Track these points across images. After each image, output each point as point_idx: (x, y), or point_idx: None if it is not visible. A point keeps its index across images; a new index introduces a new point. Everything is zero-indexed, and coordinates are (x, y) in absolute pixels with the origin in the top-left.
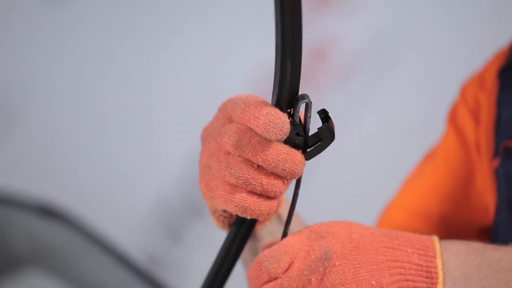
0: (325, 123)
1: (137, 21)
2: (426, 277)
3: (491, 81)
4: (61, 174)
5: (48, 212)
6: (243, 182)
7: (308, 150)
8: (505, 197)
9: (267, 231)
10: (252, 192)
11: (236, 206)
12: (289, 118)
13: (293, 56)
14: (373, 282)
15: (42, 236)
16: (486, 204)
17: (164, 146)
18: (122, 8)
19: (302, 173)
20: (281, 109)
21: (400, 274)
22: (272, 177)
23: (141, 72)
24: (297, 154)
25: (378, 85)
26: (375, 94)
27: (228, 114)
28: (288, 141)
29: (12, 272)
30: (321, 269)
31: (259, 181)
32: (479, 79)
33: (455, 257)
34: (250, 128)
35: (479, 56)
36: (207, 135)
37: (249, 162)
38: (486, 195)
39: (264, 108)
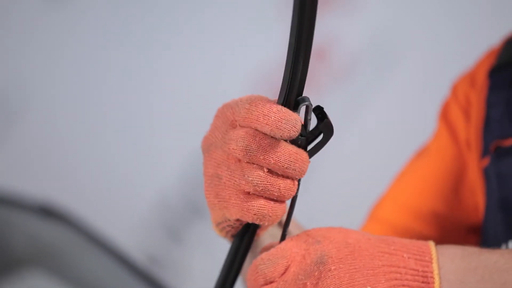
0: (324, 119)
1: (137, 21)
2: (423, 282)
3: (482, 80)
4: (61, 174)
5: (48, 212)
6: (262, 189)
7: (308, 148)
8: (496, 197)
9: (269, 235)
10: (269, 198)
11: (254, 214)
12: None
13: (305, 58)
14: (369, 287)
15: (42, 236)
16: (477, 202)
17: (164, 146)
18: (122, 8)
19: None
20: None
21: (396, 279)
22: (288, 180)
23: (141, 72)
24: (303, 153)
25: (378, 85)
26: (375, 94)
27: (228, 119)
28: (293, 142)
29: (12, 272)
30: (316, 274)
31: (277, 187)
32: (470, 78)
33: (450, 262)
34: (257, 130)
35: (479, 56)
36: (210, 145)
37: (261, 167)
38: (477, 193)
39: (273, 105)
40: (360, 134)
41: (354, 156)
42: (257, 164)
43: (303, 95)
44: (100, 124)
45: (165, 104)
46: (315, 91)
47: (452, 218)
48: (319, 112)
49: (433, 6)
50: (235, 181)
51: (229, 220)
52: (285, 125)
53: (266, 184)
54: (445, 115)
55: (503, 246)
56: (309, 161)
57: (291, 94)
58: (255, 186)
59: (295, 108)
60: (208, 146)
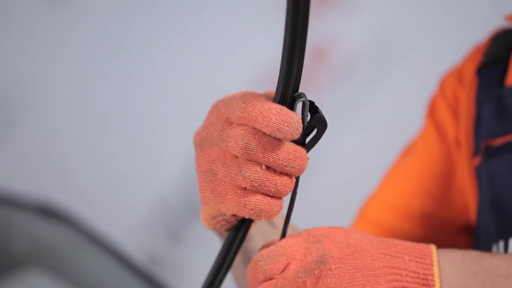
0: (316, 113)
1: (137, 21)
2: (423, 285)
3: (470, 78)
4: (61, 174)
5: (48, 212)
6: (259, 184)
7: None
8: (487, 196)
9: (257, 230)
10: (266, 194)
11: (251, 210)
12: None
13: (300, 54)
14: None
15: (42, 236)
16: (466, 201)
17: (164, 146)
18: (122, 8)
19: None
20: (284, 105)
21: (396, 281)
22: (285, 177)
23: (141, 72)
24: (303, 150)
25: (378, 85)
26: (375, 94)
27: (223, 116)
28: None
29: (12, 272)
30: (316, 272)
31: (273, 183)
32: (457, 75)
33: (452, 265)
34: (256, 128)
35: (466, 52)
36: (204, 141)
37: (259, 164)
38: (466, 192)
39: (272, 106)
40: (360, 134)
41: (353, 156)
42: (255, 161)
43: (299, 91)
44: (100, 124)
45: (165, 104)
46: (315, 91)
47: (441, 218)
48: (311, 106)
49: (433, 6)
50: (232, 176)
51: (225, 214)
52: (287, 127)
53: (263, 179)
54: (432, 112)
55: (494, 246)
56: (308, 158)
57: (288, 91)
58: (252, 181)
59: (291, 104)
60: (201, 142)
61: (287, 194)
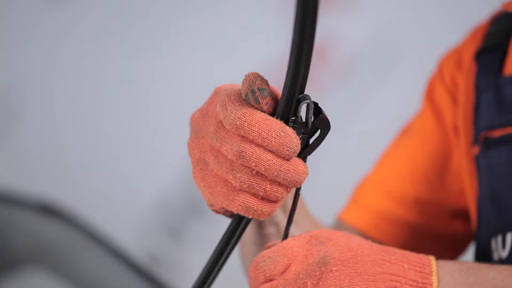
0: (320, 115)
1: (137, 21)
2: None
3: (469, 62)
4: (61, 173)
5: (48, 211)
6: (248, 186)
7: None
8: (487, 189)
9: (270, 221)
10: (255, 194)
11: (239, 205)
12: (293, 116)
13: (307, 56)
14: None
15: (42, 235)
16: (462, 187)
17: (164, 146)
18: (122, 8)
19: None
20: (290, 107)
21: (395, 287)
22: (276, 183)
23: (141, 71)
24: (300, 165)
25: (378, 85)
26: (375, 94)
27: (218, 117)
28: None
29: (12, 271)
30: (317, 273)
31: (263, 187)
32: (456, 57)
33: (450, 275)
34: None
35: (466, 33)
36: (200, 129)
37: (251, 169)
38: (463, 178)
39: (271, 127)
40: (360, 134)
41: (353, 156)
42: (247, 166)
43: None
44: (100, 124)
45: (165, 104)
46: (315, 91)
47: (435, 203)
48: (314, 107)
49: (433, 6)
50: (222, 173)
51: (216, 205)
52: (287, 151)
53: (252, 183)
54: (430, 95)
55: (493, 241)
56: (307, 172)
57: (294, 92)
58: (241, 182)
59: (296, 106)
60: (197, 128)
61: (278, 200)
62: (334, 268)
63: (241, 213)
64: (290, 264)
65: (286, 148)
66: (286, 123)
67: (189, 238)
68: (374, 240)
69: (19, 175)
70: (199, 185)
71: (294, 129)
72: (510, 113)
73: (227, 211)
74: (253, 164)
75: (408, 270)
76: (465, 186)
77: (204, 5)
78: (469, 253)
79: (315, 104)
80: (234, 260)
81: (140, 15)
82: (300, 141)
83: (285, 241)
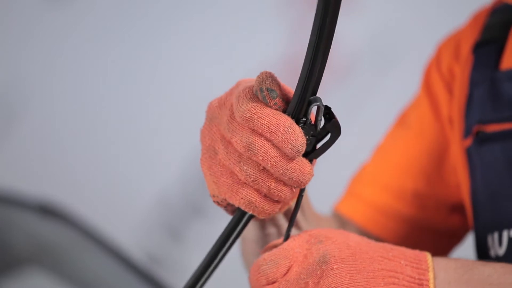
0: (332, 120)
1: (137, 21)
2: None
3: (466, 54)
4: (61, 174)
5: (48, 212)
6: (253, 181)
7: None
8: (482, 185)
9: (272, 223)
10: (259, 191)
11: (241, 198)
12: (303, 118)
13: (323, 58)
14: None
15: (42, 235)
16: (458, 181)
17: (164, 146)
18: (122, 8)
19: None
20: (302, 107)
21: (393, 284)
22: (281, 183)
23: (141, 71)
24: (307, 165)
25: (378, 85)
26: (375, 94)
27: (231, 108)
28: None
29: (12, 271)
30: (318, 272)
31: (267, 184)
32: (455, 47)
33: (445, 272)
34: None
35: (468, 18)
36: (215, 118)
37: (258, 164)
38: (459, 171)
39: (281, 122)
40: (360, 134)
41: (353, 156)
42: (254, 160)
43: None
44: (100, 124)
45: (165, 104)
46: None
47: (434, 197)
48: (327, 112)
49: (433, 6)
50: (230, 163)
51: (218, 196)
52: (290, 149)
53: (258, 177)
54: (427, 84)
55: (489, 237)
56: (313, 174)
57: (306, 93)
58: (247, 176)
59: (307, 107)
60: (212, 116)
61: (281, 199)
62: (334, 266)
63: (242, 207)
64: (291, 265)
65: (290, 145)
66: (297, 123)
67: (189, 238)
68: (373, 235)
69: (19, 175)
70: (205, 173)
71: (303, 130)
72: (506, 108)
73: (228, 204)
74: (260, 158)
75: (405, 266)
76: (460, 178)
77: (204, 5)
78: (470, 249)
79: (328, 108)
80: (232, 259)
81: (140, 15)
82: (305, 142)
83: (286, 243)
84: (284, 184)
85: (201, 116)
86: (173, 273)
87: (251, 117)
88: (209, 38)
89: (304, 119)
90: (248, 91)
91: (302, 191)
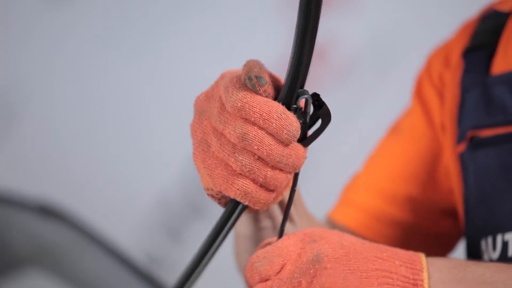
0: (322, 106)
1: (137, 21)
2: None
3: (456, 60)
4: (60, 174)
5: (48, 212)
6: (248, 171)
7: (307, 136)
8: (475, 189)
9: (267, 215)
10: (255, 180)
11: (237, 189)
12: (295, 104)
13: (311, 39)
14: None
15: (42, 236)
16: (451, 186)
17: (164, 146)
18: (122, 8)
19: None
20: (293, 93)
21: (387, 284)
22: (277, 170)
23: (141, 71)
24: (300, 148)
25: (378, 86)
26: (375, 95)
27: (221, 99)
28: None
29: (12, 272)
30: (311, 271)
31: (264, 173)
32: (444, 55)
33: (439, 272)
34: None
35: (455, 29)
36: (204, 111)
37: (253, 153)
38: (451, 177)
39: (273, 109)
40: (360, 134)
41: (353, 156)
42: (249, 150)
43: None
44: (100, 124)
45: (165, 104)
46: (315, 91)
47: (426, 202)
48: (316, 99)
49: (433, 6)
50: (224, 155)
51: (212, 189)
52: (286, 135)
53: (253, 167)
54: (419, 92)
55: (483, 242)
56: (305, 157)
57: (297, 79)
58: (242, 166)
59: (296, 100)
60: (201, 110)
61: (277, 188)
62: (328, 265)
63: (238, 198)
64: (285, 263)
65: (285, 131)
66: (288, 109)
67: (189, 239)
68: (366, 239)
69: (19, 175)
70: (199, 166)
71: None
72: (499, 113)
73: (222, 197)
74: (255, 147)
75: (400, 266)
76: (452, 184)
77: (204, 5)
78: (461, 256)
79: (317, 95)
80: (229, 258)
81: (140, 15)
82: (300, 126)
83: (280, 241)
84: (280, 171)
85: None
86: (173, 273)
87: (242, 106)
88: (209, 38)
89: (295, 106)
90: (237, 80)
91: (294, 185)
